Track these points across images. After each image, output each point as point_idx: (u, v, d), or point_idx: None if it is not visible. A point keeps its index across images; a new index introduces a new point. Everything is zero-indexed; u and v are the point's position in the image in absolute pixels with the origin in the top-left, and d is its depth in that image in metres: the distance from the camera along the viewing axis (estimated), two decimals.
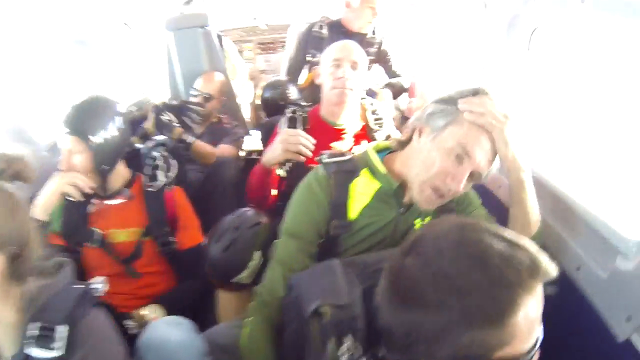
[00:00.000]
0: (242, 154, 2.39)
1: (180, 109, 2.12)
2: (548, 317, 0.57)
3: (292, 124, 1.48)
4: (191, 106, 2.14)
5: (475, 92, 0.94)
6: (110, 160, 1.33)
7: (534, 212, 1.03)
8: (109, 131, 1.29)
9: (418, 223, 1.10)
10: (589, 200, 1.06)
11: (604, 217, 0.99)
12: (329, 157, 1.09)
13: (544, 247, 0.59)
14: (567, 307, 1.02)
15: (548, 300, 0.57)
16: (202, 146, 2.05)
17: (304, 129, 1.45)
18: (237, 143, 2.27)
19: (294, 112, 1.51)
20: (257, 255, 1.22)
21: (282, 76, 2.63)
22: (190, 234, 1.43)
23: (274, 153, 1.30)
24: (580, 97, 1.38)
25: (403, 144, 1.05)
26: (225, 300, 1.29)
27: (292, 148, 1.25)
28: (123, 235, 1.36)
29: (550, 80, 1.45)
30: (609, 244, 0.95)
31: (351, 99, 1.48)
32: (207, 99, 2.24)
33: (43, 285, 0.77)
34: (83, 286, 0.81)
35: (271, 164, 1.32)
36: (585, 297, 1.01)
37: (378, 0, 2.05)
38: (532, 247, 0.55)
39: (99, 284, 0.84)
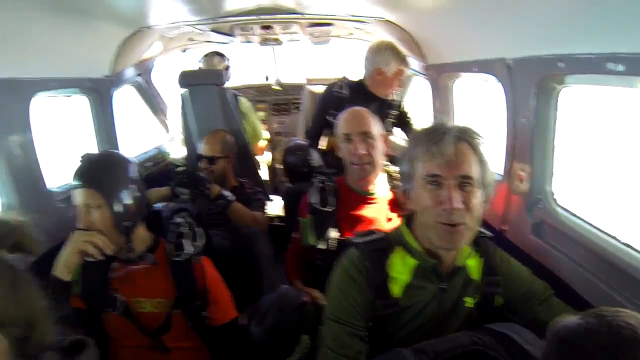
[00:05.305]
0: None
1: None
2: None
3: (323, 194, 1.49)
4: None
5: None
6: (132, 218, 1.21)
7: None
8: (126, 185, 1.20)
9: (469, 301, 1.06)
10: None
11: None
12: (360, 238, 1.08)
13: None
14: None
15: None
16: (241, 207, 1.97)
17: (335, 200, 1.48)
18: (264, 211, 2.15)
19: (323, 182, 1.52)
20: (305, 339, 1.14)
21: (301, 138, 2.59)
22: (223, 308, 1.31)
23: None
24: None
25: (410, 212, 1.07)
26: None
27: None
28: (149, 305, 1.24)
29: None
30: None
31: (373, 171, 1.50)
32: (211, 161, 2.13)
33: None
34: None
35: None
36: None
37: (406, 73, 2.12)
38: None
39: None
